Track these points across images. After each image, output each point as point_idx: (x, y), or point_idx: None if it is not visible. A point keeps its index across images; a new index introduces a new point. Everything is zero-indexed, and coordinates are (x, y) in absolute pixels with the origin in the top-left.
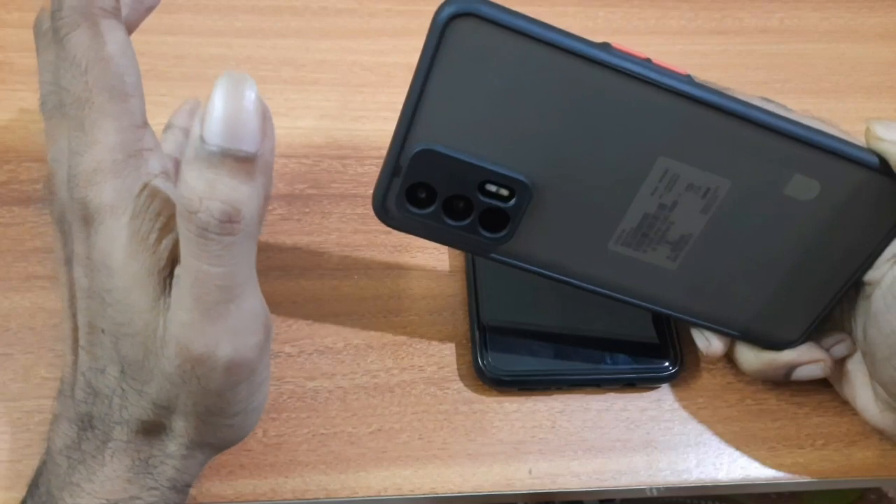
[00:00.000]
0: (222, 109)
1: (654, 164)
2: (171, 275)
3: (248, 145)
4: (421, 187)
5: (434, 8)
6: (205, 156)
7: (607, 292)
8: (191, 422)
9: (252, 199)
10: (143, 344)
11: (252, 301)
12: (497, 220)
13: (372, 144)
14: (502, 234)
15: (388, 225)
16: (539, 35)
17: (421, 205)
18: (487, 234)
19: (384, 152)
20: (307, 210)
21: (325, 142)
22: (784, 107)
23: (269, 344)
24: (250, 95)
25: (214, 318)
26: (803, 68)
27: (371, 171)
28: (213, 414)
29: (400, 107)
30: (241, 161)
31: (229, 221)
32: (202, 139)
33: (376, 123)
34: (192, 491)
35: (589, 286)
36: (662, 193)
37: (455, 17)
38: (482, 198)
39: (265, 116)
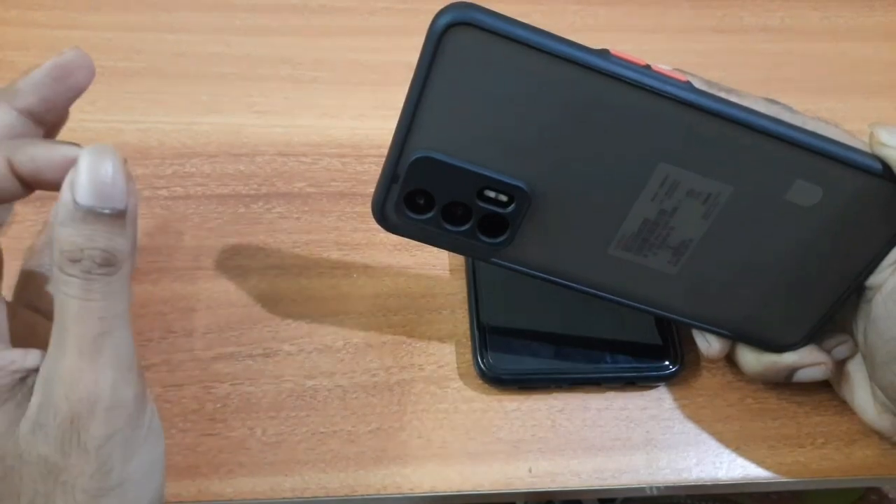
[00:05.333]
0: (92, 175)
1: (654, 170)
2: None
3: (119, 203)
4: (419, 194)
5: (433, 7)
6: (80, 215)
7: (608, 296)
8: None
9: (125, 246)
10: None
11: (126, 336)
12: (496, 225)
13: (371, 143)
14: (501, 239)
15: (388, 230)
16: (536, 43)
17: (420, 211)
18: (487, 240)
19: (383, 150)
20: (306, 208)
21: (324, 140)
22: (790, 108)
23: (146, 404)
24: (115, 162)
25: (95, 353)
26: (804, 67)
27: (370, 170)
28: (93, 496)
29: (399, 105)
30: (113, 216)
31: (108, 265)
32: (76, 202)
33: (375, 122)
34: (192, 489)
35: (589, 290)
36: (663, 199)
37: (452, 25)
38: (481, 204)
39: (128, 177)
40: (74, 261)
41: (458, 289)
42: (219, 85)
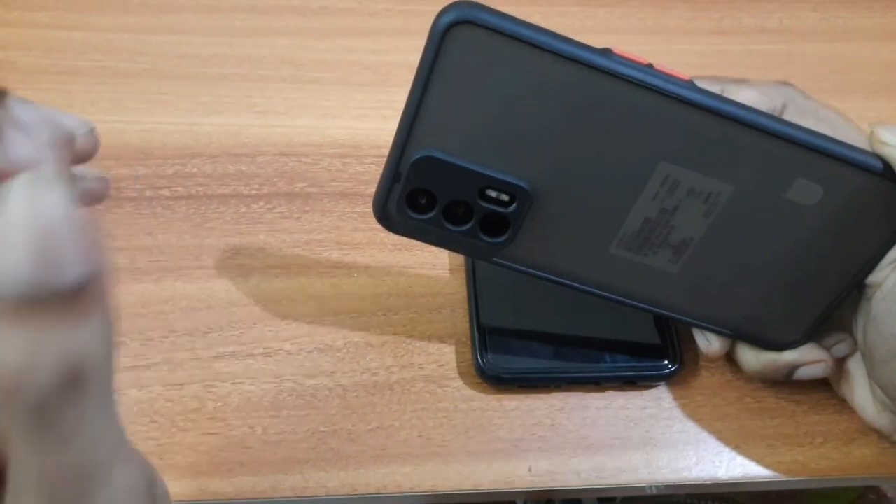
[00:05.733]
0: (24, 229)
1: (655, 169)
2: None
3: (71, 271)
4: (421, 193)
5: (433, 8)
6: (12, 308)
7: (609, 295)
8: None
9: (95, 344)
10: None
11: (126, 475)
12: (498, 224)
13: (372, 143)
14: (503, 238)
15: (390, 230)
16: (539, 42)
17: (422, 210)
18: (488, 239)
19: (384, 151)
20: (307, 208)
21: (325, 140)
22: (803, 92)
23: None
24: (61, 199)
25: None
26: (802, 68)
27: (371, 170)
28: None
29: (400, 106)
30: (66, 297)
31: (73, 382)
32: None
33: (376, 122)
34: (193, 488)
35: (590, 289)
36: (664, 198)
37: (454, 24)
38: (482, 203)
39: (89, 224)
40: (16, 391)
41: (458, 288)
42: (220, 86)
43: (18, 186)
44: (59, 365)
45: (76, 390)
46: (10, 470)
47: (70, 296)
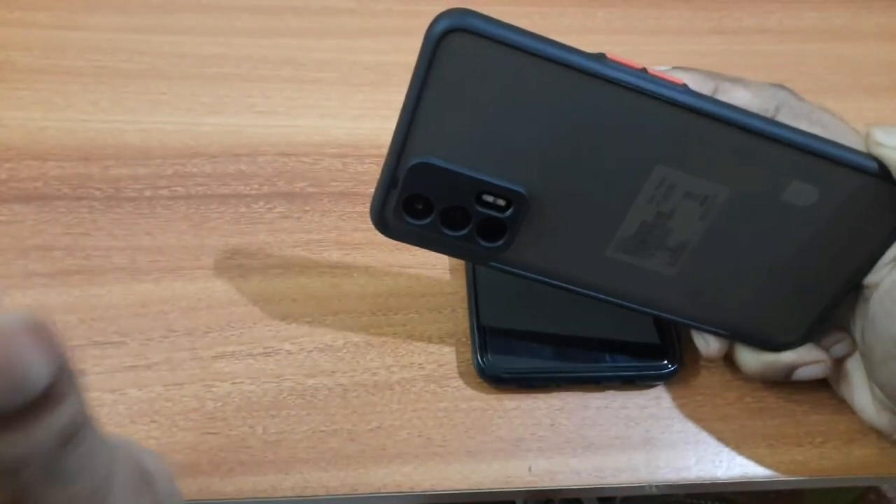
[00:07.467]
0: None
1: (651, 172)
2: None
3: (38, 378)
4: (418, 199)
5: (433, 8)
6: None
7: (606, 298)
8: None
9: (76, 406)
10: None
11: (122, 471)
12: (495, 229)
13: (372, 143)
14: (500, 243)
15: (387, 235)
16: (533, 49)
17: (418, 216)
18: (485, 244)
19: (384, 151)
20: (307, 208)
21: (326, 140)
22: (797, 95)
23: None
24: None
25: None
26: (802, 68)
27: (371, 170)
28: None
29: (399, 106)
30: (39, 398)
31: (68, 440)
32: None
33: (376, 122)
34: (193, 487)
35: (588, 292)
36: (660, 201)
37: (448, 32)
38: (479, 208)
39: (39, 325)
40: (22, 469)
41: (458, 288)
42: (220, 86)
43: None
44: (55, 438)
45: (72, 443)
46: None
47: (42, 395)
